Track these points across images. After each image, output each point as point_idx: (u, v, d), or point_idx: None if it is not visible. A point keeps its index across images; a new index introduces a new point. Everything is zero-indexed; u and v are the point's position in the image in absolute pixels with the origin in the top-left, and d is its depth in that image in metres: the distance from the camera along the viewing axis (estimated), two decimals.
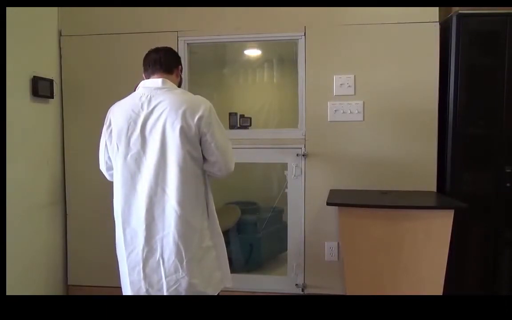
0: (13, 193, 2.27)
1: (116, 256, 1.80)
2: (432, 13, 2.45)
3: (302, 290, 2.64)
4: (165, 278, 1.58)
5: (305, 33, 2.57)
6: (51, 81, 2.60)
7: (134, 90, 1.69)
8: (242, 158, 2.64)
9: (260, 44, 3.17)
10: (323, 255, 2.61)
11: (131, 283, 1.64)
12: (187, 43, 2.68)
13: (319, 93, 2.57)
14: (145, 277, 1.61)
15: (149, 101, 1.58)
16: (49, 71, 2.64)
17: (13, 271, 2.20)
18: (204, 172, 1.65)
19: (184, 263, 1.57)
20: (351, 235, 2.19)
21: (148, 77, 1.70)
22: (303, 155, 2.58)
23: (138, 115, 1.58)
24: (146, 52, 1.78)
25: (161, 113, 1.55)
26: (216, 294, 1.69)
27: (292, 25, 2.58)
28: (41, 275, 2.61)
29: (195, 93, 1.68)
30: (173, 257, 1.56)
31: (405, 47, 2.49)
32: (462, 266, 2.41)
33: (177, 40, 2.66)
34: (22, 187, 2.39)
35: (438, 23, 2.45)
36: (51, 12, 2.69)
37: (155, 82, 1.63)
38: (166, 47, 1.78)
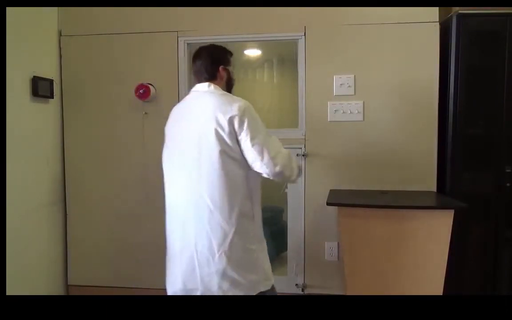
0: (13, 193, 2.26)
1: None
2: (432, 13, 2.46)
3: (302, 290, 2.64)
4: (199, 271, 1.60)
5: (305, 33, 2.57)
6: (51, 81, 2.60)
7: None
8: None
9: (260, 44, 3.17)
10: (323, 255, 2.61)
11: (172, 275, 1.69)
12: (187, 43, 2.68)
13: (319, 93, 2.57)
14: (182, 271, 1.64)
15: (194, 103, 1.69)
16: (49, 71, 2.64)
17: (13, 271, 2.20)
18: (246, 172, 1.63)
19: (216, 257, 1.58)
20: (351, 235, 2.19)
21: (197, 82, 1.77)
22: (303, 155, 2.58)
23: (183, 116, 1.70)
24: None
25: (200, 114, 1.61)
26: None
27: (292, 25, 2.58)
28: (41, 275, 2.61)
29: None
30: (205, 252, 1.59)
31: (405, 47, 2.49)
32: (462, 266, 2.41)
33: (177, 40, 2.66)
34: (22, 187, 2.39)
35: (438, 23, 2.46)
36: (51, 12, 2.69)
37: (201, 86, 1.72)
38: (206, 52, 1.77)
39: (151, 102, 2.66)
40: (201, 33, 2.65)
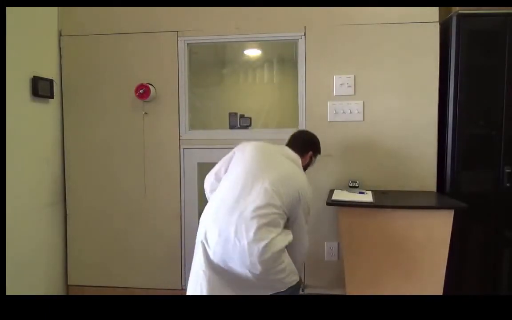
0: (13, 193, 2.27)
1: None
2: (432, 13, 2.46)
3: (302, 290, 2.64)
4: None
5: (305, 33, 2.57)
6: (51, 81, 2.61)
7: None
8: None
9: (260, 44, 3.17)
10: (323, 255, 2.61)
11: None
12: (187, 43, 2.68)
13: (319, 93, 2.57)
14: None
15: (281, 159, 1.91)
16: (49, 71, 2.64)
17: (13, 271, 2.21)
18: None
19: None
20: (351, 235, 2.19)
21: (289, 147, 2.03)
22: None
23: (267, 154, 1.91)
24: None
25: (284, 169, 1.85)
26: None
27: (292, 25, 2.58)
28: (41, 275, 2.61)
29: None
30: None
31: (405, 47, 2.49)
32: (462, 266, 2.41)
33: (177, 40, 2.66)
34: (22, 187, 2.39)
35: (438, 23, 2.46)
36: (51, 12, 2.69)
37: (289, 150, 1.98)
38: (310, 138, 2.18)
39: (151, 102, 2.67)
40: (201, 33, 2.65)
